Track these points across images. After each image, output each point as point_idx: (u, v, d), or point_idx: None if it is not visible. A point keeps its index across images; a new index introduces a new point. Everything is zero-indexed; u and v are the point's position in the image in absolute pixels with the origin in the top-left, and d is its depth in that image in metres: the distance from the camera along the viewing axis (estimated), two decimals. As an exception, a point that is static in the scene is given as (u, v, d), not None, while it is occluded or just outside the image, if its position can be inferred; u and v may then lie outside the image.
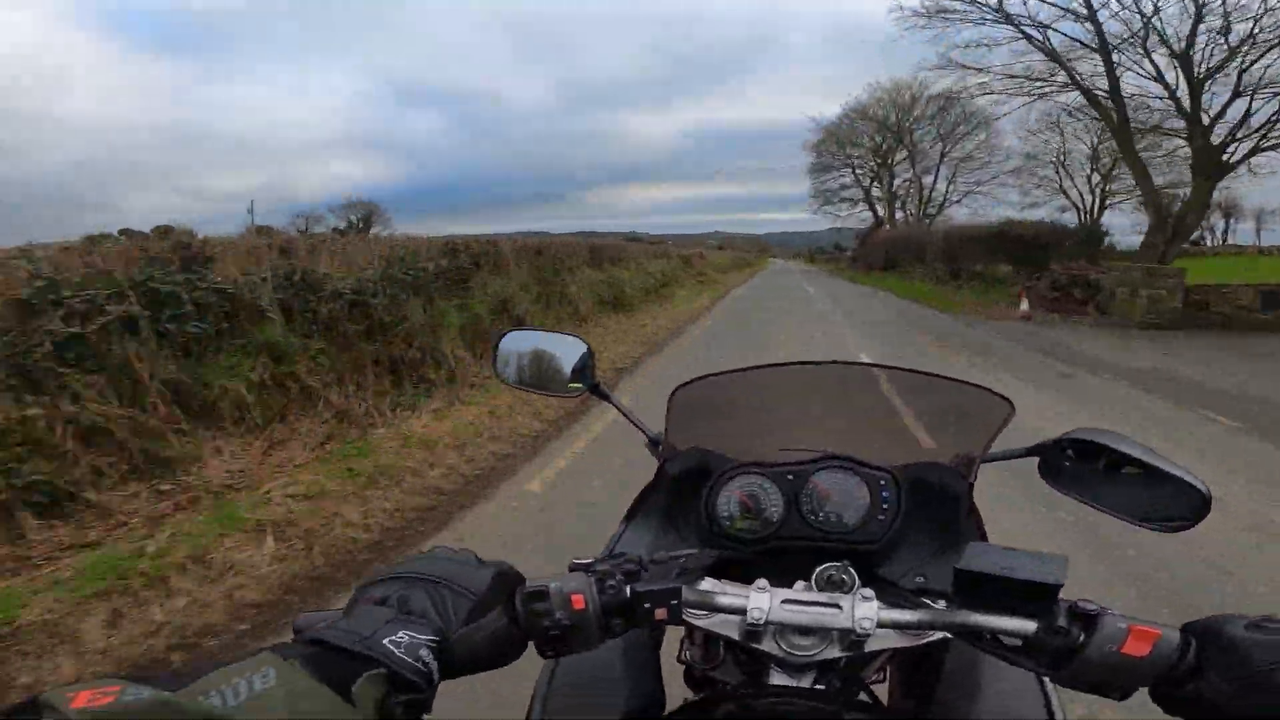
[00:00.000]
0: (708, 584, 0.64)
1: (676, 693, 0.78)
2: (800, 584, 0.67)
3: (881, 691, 0.84)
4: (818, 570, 0.68)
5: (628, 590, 0.55)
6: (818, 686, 0.63)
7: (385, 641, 0.41)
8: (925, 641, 0.62)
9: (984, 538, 0.84)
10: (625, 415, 0.96)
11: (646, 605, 0.55)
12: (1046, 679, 0.66)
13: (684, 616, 0.61)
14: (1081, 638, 0.50)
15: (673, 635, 0.82)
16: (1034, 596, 0.52)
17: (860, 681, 0.75)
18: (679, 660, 0.80)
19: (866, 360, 0.98)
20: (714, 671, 0.76)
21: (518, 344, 0.97)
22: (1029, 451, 0.76)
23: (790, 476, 0.80)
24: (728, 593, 0.61)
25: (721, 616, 0.62)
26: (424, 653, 0.43)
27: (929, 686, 0.76)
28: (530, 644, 0.55)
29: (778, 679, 0.63)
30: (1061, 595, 0.52)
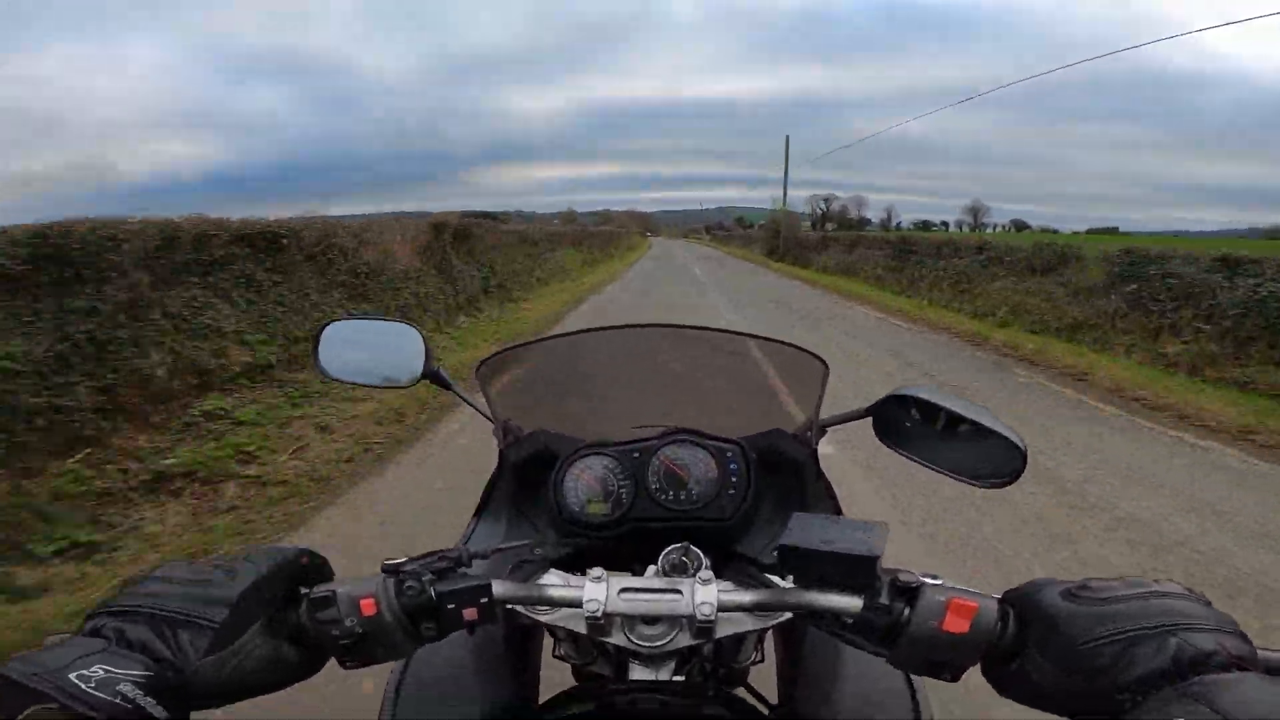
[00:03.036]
0: (549, 577, 0.60)
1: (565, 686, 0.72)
2: (651, 569, 0.64)
3: (768, 672, 0.80)
4: (663, 554, 0.64)
5: (432, 591, 0.50)
6: (676, 678, 0.60)
7: (72, 676, 0.39)
8: (778, 622, 0.58)
9: (835, 502, 0.81)
10: (469, 403, 0.91)
11: (451, 606, 0.51)
12: None
13: (530, 612, 0.58)
14: (906, 613, 0.48)
15: None
16: (855, 569, 0.50)
17: (734, 668, 0.72)
18: (554, 655, 0.75)
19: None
20: (592, 665, 0.71)
21: (342, 335, 0.90)
22: (866, 412, 0.71)
23: (635, 455, 0.76)
24: (559, 585, 0.57)
25: (568, 610, 0.57)
26: (125, 688, 0.40)
27: (796, 668, 0.73)
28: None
29: (637, 672, 0.59)
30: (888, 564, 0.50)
